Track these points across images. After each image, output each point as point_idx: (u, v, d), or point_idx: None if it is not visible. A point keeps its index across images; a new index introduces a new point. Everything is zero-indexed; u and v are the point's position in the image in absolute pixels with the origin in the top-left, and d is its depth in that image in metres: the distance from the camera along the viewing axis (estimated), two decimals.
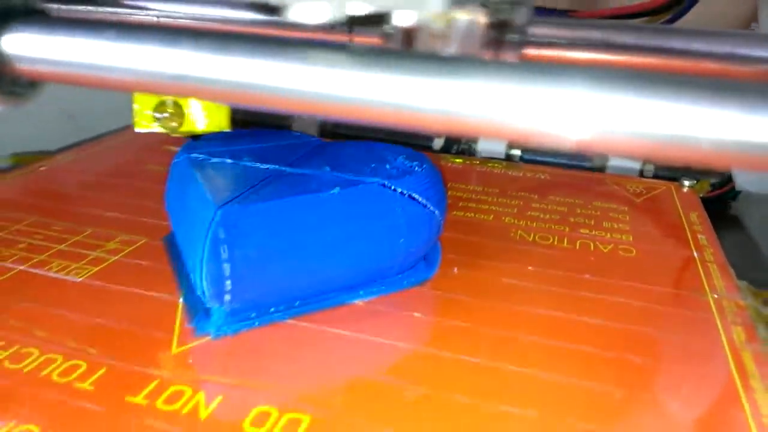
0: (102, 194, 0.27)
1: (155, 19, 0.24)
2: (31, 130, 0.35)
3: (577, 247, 0.25)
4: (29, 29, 0.13)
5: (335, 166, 0.21)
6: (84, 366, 0.16)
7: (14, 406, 0.15)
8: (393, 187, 0.20)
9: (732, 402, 0.16)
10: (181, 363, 0.17)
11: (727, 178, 0.35)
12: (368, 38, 0.23)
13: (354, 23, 0.23)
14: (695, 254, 0.24)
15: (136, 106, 0.21)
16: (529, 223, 0.27)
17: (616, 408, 0.16)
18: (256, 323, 0.18)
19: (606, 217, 0.27)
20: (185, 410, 0.15)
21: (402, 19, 0.12)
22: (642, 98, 0.10)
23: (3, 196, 0.27)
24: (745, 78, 0.20)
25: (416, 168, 0.21)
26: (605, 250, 0.24)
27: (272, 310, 0.19)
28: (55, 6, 0.23)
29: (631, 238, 0.25)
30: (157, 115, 0.21)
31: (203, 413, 0.15)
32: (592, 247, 0.24)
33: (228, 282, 0.17)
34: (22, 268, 0.21)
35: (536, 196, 0.29)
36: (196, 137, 0.23)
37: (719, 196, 0.35)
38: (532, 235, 0.25)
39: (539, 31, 0.21)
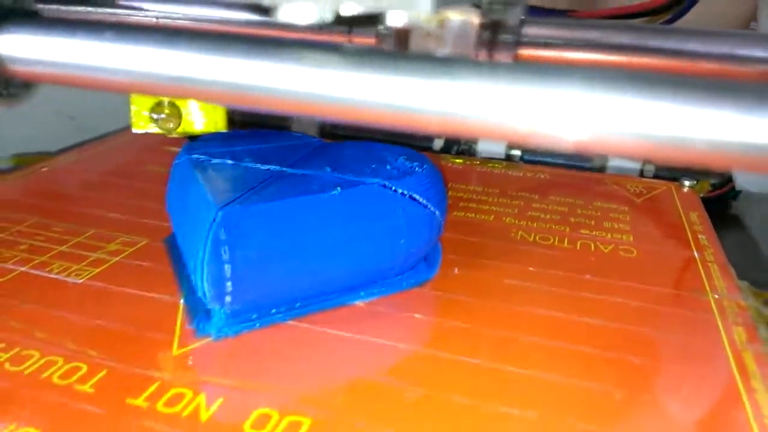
0: (103, 195, 0.27)
1: (150, 20, 0.24)
2: (31, 131, 0.35)
3: (578, 247, 0.25)
4: (22, 30, 0.13)
5: (336, 166, 0.21)
6: (85, 368, 0.16)
7: (15, 409, 0.15)
8: (394, 188, 0.20)
9: (733, 403, 0.16)
10: (181, 365, 0.17)
11: (727, 178, 0.35)
12: (366, 39, 0.23)
13: (350, 24, 0.23)
14: (696, 254, 0.24)
15: (133, 108, 0.21)
16: (529, 223, 0.27)
17: (617, 409, 0.16)
18: (257, 324, 0.18)
19: (606, 217, 0.27)
20: (186, 412, 0.15)
21: (395, 19, 0.12)
22: (639, 99, 0.10)
23: (4, 197, 0.27)
24: (743, 78, 0.20)
25: (417, 169, 0.21)
26: (606, 251, 0.24)
27: (273, 311, 0.19)
28: (49, 7, 0.23)
29: (631, 239, 0.25)
30: (154, 116, 0.21)
31: (204, 415, 0.15)
32: (592, 248, 0.24)
33: (229, 283, 0.17)
34: (23, 269, 0.21)
35: (537, 197, 0.29)
36: (193, 138, 0.23)
37: (720, 196, 0.35)
38: (532, 236, 0.25)
39: (534, 31, 0.20)
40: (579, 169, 0.39)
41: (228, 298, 0.17)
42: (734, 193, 0.35)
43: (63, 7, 0.23)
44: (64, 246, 0.23)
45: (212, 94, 0.12)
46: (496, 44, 0.18)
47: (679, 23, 0.35)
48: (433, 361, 0.17)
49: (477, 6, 0.15)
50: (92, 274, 0.21)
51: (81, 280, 0.21)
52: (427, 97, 0.11)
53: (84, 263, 0.22)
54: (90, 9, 0.24)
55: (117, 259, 0.22)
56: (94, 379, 0.16)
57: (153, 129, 0.21)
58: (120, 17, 0.24)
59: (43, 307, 0.19)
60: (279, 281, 0.18)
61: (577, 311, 0.20)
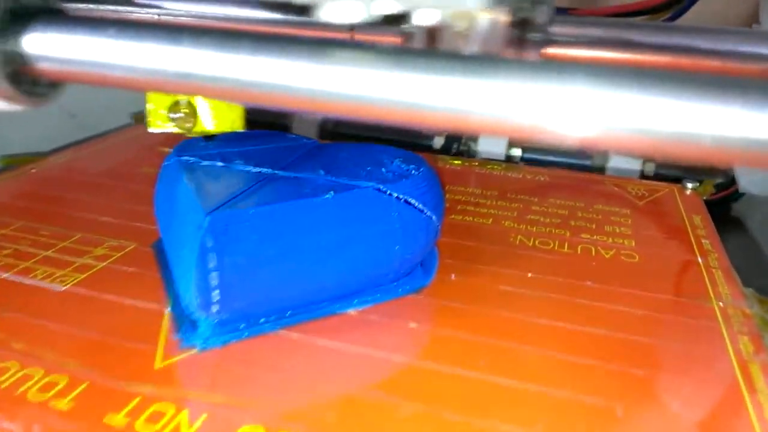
0: (93, 197, 0.27)
1: (177, 18, 0.23)
2: (31, 129, 0.34)
3: (579, 252, 0.24)
4: (49, 29, 0.13)
5: (330, 169, 0.20)
6: (64, 381, 0.16)
7: None
8: (388, 192, 0.19)
9: (740, 417, 0.16)
10: (165, 378, 0.16)
11: (730, 180, 0.35)
12: (369, 35, 0.22)
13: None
14: (699, 259, 0.24)
15: (150, 106, 0.20)
16: (528, 227, 0.26)
17: (619, 424, 0.15)
18: (246, 334, 0.18)
19: (608, 220, 0.27)
20: (167, 430, 0.14)
21: (425, 18, 0.12)
22: (645, 95, 0.10)
23: None
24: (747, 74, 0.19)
25: (413, 171, 0.20)
26: (607, 256, 0.24)
27: (262, 320, 0.18)
28: (72, 6, 0.23)
29: (633, 243, 0.25)
30: (172, 115, 0.20)
31: None
32: (593, 253, 0.24)
33: (216, 292, 0.17)
34: (5, 276, 0.20)
35: (536, 199, 0.29)
36: (208, 137, 0.22)
37: (722, 198, 0.34)
38: (532, 240, 0.25)
39: (562, 29, 0.20)
40: (579, 168, 0.39)
41: (215, 308, 0.17)
42: (737, 196, 0.35)
43: (85, 6, 0.23)
44: (50, 251, 0.22)
45: (244, 94, 0.12)
46: (524, 42, 0.18)
47: (680, 22, 0.35)
48: (427, 373, 0.17)
49: (506, 4, 0.14)
50: (77, 280, 0.20)
51: (65, 287, 0.20)
52: (436, 94, 0.11)
53: (69, 269, 0.21)
54: (113, 7, 0.23)
55: (103, 264, 0.21)
56: (74, 393, 0.15)
57: (170, 128, 0.21)
58: (147, 15, 0.23)
59: (24, 316, 0.18)
60: (269, 289, 0.18)
61: (577, 320, 0.19)
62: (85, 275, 0.21)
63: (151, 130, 0.20)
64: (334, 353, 0.17)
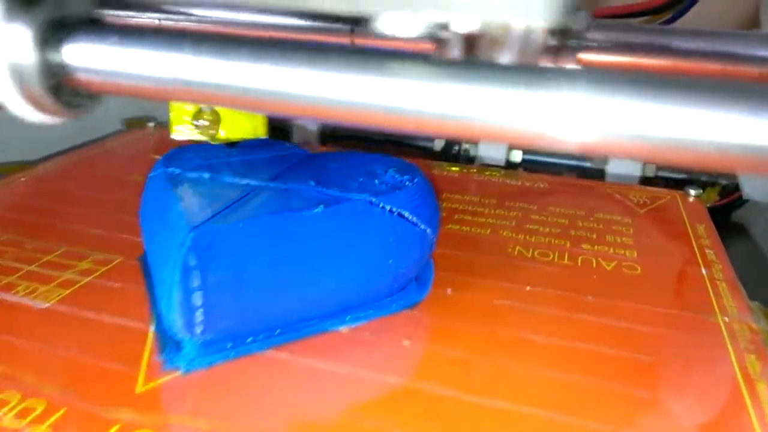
0: (81, 208, 0.26)
1: (212, 26, 0.23)
2: (19, 137, 0.33)
3: (579, 264, 0.23)
4: (91, 39, 0.13)
5: (320, 180, 0.19)
6: (41, 407, 0.15)
7: None
8: (381, 205, 0.18)
9: None
10: (146, 403, 0.15)
11: (734, 187, 0.34)
12: (368, 39, 0.22)
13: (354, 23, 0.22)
14: (703, 271, 0.23)
15: (172, 114, 0.20)
16: (527, 237, 0.25)
17: None
18: (232, 355, 0.17)
19: (609, 230, 0.26)
20: None
21: (464, 26, 0.12)
22: (646, 101, 0.10)
23: None
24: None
25: (407, 183, 0.19)
26: (608, 268, 0.23)
27: (250, 339, 0.17)
28: (110, 12, 0.22)
29: (635, 254, 0.24)
30: (195, 122, 0.20)
31: None
32: (594, 264, 0.23)
33: (199, 312, 0.16)
34: None
35: (535, 207, 0.28)
36: (231, 144, 0.22)
37: (726, 205, 0.34)
38: (530, 251, 0.24)
39: (598, 35, 0.20)
40: (579, 169, 0.38)
41: (199, 328, 0.16)
42: (741, 202, 0.34)
43: (121, 13, 0.23)
44: (34, 265, 0.21)
45: (295, 107, 0.12)
46: (561, 50, 0.17)
47: (678, 23, 0.34)
48: (421, 396, 0.16)
49: None
50: (60, 296, 0.20)
51: (47, 304, 0.19)
52: (436, 101, 0.11)
53: (53, 284, 0.20)
54: (150, 15, 0.23)
55: (88, 279, 0.21)
56: (51, 420, 0.15)
57: (194, 135, 0.20)
58: (188, 24, 0.23)
59: (2, 336, 0.18)
60: (256, 307, 0.17)
61: (577, 337, 0.19)
62: (68, 291, 0.20)
63: (174, 137, 0.20)
64: (324, 374, 0.17)
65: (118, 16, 0.22)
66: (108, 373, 0.16)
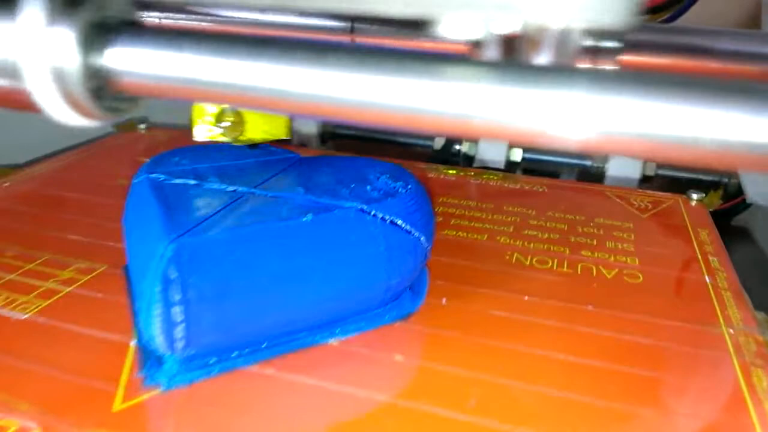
0: (66, 213, 0.25)
1: (247, 26, 0.22)
2: (6, 139, 0.33)
3: (579, 271, 0.22)
4: (134, 42, 0.12)
5: (310, 187, 0.19)
6: (13, 428, 0.14)
7: None
8: (373, 212, 0.18)
9: None
10: (124, 422, 0.15)
11: (736, 190, 0.33)
12: (369, 38, 0.21)
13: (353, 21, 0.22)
14: (707, 279, 0.22)
15: (194, 115, 0.20)
16: (526, 243, 0.24)
17: None
18: (216, 370, 0.16)
19: (609, 236, 0.25)
20: None
21: (502, 27, 0.11)
22: (647, 100, 0.10)
23: None
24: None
25: (400, 189, 0.19)
26: (609, 276, 0.22)
27: (235, 354, 0.17)
28: (149, 14, 0.22)
29: (636, 262, 0.23)
30: (218, 123, 0.20)
31: None
32: (594, 272, 0.22)
33: (180, 327, 0.15)
34: None
35: (534, 212, 0.27)
36: (253, 145, 0.21)
37: (729, 209, 0.33)
38: (529, 258, 0.23)
39: (637, 36, 0.19)
40: (579, 168, 0.38)
41: (180, 344, 0.15)
42: (744, 206, 0.33)
43: (157, 14, 0.22)
44: (14, 273, 0.21)
45: (345, 111, 0.12)
46: (599, 50, 0.17)
47: (678, 23, 0.34)
48: (412, 415, 0.15)
49: None
50: (39, 308, 0.19)
51: (25, 316, 0.18)
52: (432, 98, 0.11)
53: (33, 294, 0.20)
54: (192, 16, 0.22)
55: (69, 289, 0.20)
56: None
57: (217, 137, 0.20)
58: (222, 27, 0.23)
59: None
60: (241, 321, 0.16)
61: (576, 351, 0.18)
62: (48, 302, 0.19)
63: (197, 138, 0.20)
64: (312, 391, 0.16)
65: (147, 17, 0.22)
66: (85, 390, 0.16)
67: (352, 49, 0.12)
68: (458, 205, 0.28)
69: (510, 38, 0.12)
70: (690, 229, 0.26)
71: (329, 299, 0.17)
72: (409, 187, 0.19)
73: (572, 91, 0.10)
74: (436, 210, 0.27)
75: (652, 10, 0.34)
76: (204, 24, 0.23)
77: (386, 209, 0.18)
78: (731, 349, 0.18)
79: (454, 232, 0.25)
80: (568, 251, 0.24)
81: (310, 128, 0.42)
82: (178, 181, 0.19)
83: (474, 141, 0.39)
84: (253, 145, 0.21)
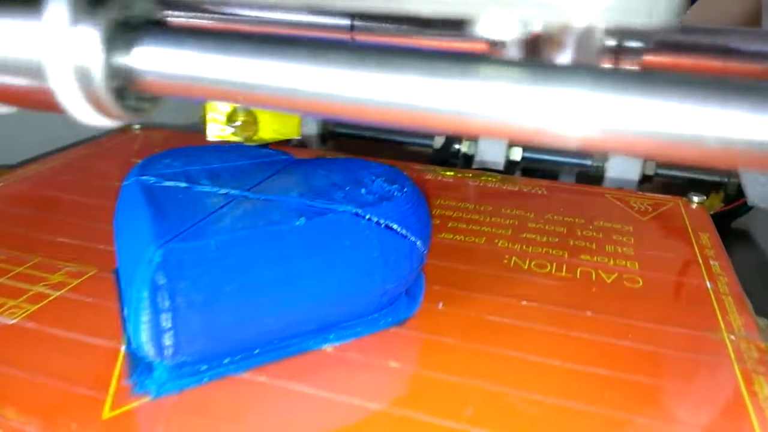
0: (59, 215, 0.25)
1: (275, 27, 0.22)
2: (9, 135, 0.32)
3: (578, 276, 0.22)
4: (157, 42, 0.12)
5: (304, 190, 0.18)
6: None
7: None
8: (368, 216, 0.17)
9: None
10: (113, 430, 0.14)
11: (736, 193, 0.33)
12: (368, 36, 0.21)
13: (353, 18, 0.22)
14: (708, 284, 0.22)
15: (208, 115, 0.19)
16: (524, 247, 0.24)
17: None
18: (206, 378, 0.16)
19: (609, 239, 0.25)
20: None
21: (539, 25, 0.11)
22: (648, 98, 0.10)
23: None
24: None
25: (395, 192, 0.18)
26: (608, 281, 0.22)
27: (226, 360, 0.16)
28: (172, 13, 0.22)
29: (636, 266, 0.23)
30: (231, 123, 0.19)
31: None
32: (593, 277, 0.22)
33: (169, 335, 0.15)
34: None
35: (533, 215, 0.27)
36: (263, 146, 0.21)
37: (730, 211, 0.33)
38: (527, 262, 0.23)
39: (661, 36, 0.19)
40: (579, 167, 0.37)
41: (168, 351, 0.15)
42: (745, 209, 0.33)
43: (182, 13, 0.22)
44: (4, 277, 0.20)
45: (372, 112, 0.11)
46: (621, 50, 0.17)
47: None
48: (407, 425, 0.15)
49: None
50: (28, 312, 0.18)
51: (14, 320, 0.18)
52: (439, 96, 0.11)
53: (21, 299, 0.19)
54: (216, 16, 0.22)
55: (59, 293, 0.20)
56: None
57: (229, 136, 0.20)
58: (247, 26, 0.23)
59: None
60: (232, 327, 0.16)
61: (574, 357, 0.17)
62: (37, 306, 0.19)
63: (210, 138, 0.19)
64: (305, 400, 0.16)
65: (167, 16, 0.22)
66: (74, 398, 0.15)
67: (384, 50, 0.11)
68: (456, 208, 0.27)
69: (533, 38, 0.12)
70: (691, 232, 0.26)
71: (323, 305, 0.17)
72: (405, 190, 0.19)
73: (574, 89, 0.10)
74: (433, 212, 0.26)
75: None
76: (212, 22, 0.23)
77: (381, 213, 0.17)
78: (732, 356, 0.18)
79: (451, 236, 0.25)
80: (567, 255, 0.24)
81: (310, 128, 0.42)
82: (168, 183, 0.18)
83: (474, 140, 0.39)
84: (265, 145, 0.21)
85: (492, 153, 0.38)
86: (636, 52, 0.17)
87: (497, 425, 0.15)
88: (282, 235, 0.16)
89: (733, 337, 0.19)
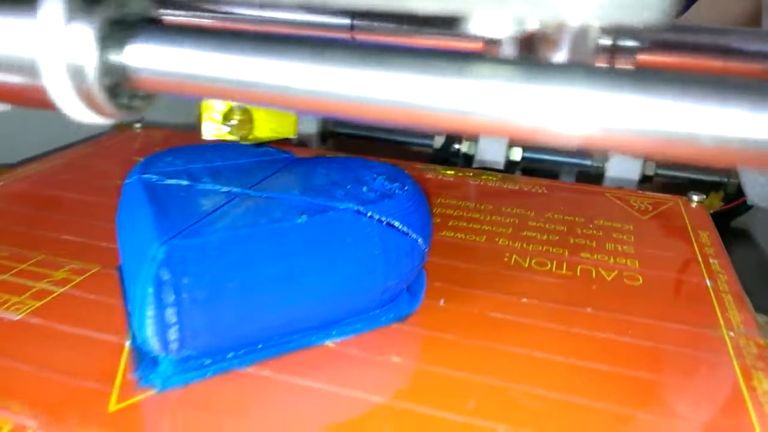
0: (60, 214, 0.25)
1: (272, 26, 0.22)
2: (11, 134, 0.32)
3: (578, 273, 0.22)
4: (151, 40, 0.12)
5: (305, 188, 0.18)
6: (7, 427, 0.14)
7: None
8: (369, 214, 0.17)
9: None
10: (119, 423, 0.14)
11: (736, 192, 0.33)
12: (368, 34, 0.21)
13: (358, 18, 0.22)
14: (708, 282, 0.22)
15: (205, 114, 0.19)
16: (524, 245, 0.24)
17: None
18: (211, 372, 0.16)
19: (609, 237, 0.25)
20: None
21: (533, 24, 0.11)
22: (646, 96, 0.10)
23: None
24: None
25: (397, 190, 0.19)
26: (608, 278, 0.22)
27: (230, 355, 0.16)
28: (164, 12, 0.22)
29: (636, 264, 0.23)
30: (227, 122, 0.19)
31: None
32: (594, 274, 0.22)
33: (174, 329, 0.15)
34: None
35: (533, 214, 0.27)
36: (260, 144, 0.21)
37: (729, 211, 0.33)
38: (527, 260, 0.23)
39: (655, 35, 0.19)
40: (579, 167, 0.37)
41: (173, 345, 0.15)
42: (745, 209, 0.33)
43: (175, 12, 0.22)
44: (7, 274, 0.20)
45: (362, 109, 0.12)
46: (616, 49, 0.17)
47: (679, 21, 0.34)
48: (409, 418, 0.15)
49: None
50: (32, 308, 0.19)
51: (18, 316, 0.18)
52: (440, 95, 0.11)
53: (26, 295, 0.19)
54: (216, 15, 0.22)
55: (63, 290, 0.20)
56: None
57: (225, 135, 0.20)
58: (242, 25, 0.23)
59: None
60: (236, 323, 0.16)
61: (575, 353, 0.18)
62: (41, 302, 0.19)
63: (205, 137, 0.20)
64: (308, 394, 0.16)
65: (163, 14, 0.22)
66: (80, 391, 0.15)
67: (379, 48, 0.12)
68: (456, 206, 0.28)
69: (527, 36, 0.12)
70: (690, 230, 0.26)
71: (325, 301, 0.17)
72: (406, 188, 0.19)
73: (572, 87, 0.10)
74: (434, 211, 0.26)
75: None
76: (213, 21, 0.23)
77: (383, 211, 0.18)
78: (731, 352, 0.18)
79: (452, 234, 0.25)
80: (567, 253, 0.24)
81: (310, 127, 0.42)
82: (170, 181, 0.19)
83: (474, 140, 0.39)
84: (261, 144, 0.21)
85: (492, 153, 0.38)
86: (631, 51, 0.18)
87: (499, 418, 0.15)
88: (284, 232, 0.16)
89: (732, 333, 0.19)
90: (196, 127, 0.23)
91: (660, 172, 0.36)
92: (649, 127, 0.10)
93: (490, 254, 0.23)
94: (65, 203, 0.26)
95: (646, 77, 0.10)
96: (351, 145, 0.43)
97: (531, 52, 0.13)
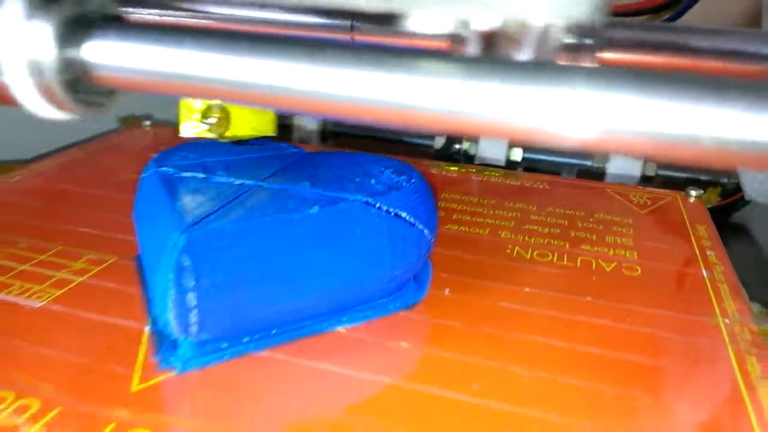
0: (75, 207, 0.26)
1: (232, 23, 0.23)
2: (13, 135, 0.33)
3: (578, 264, 0.23)
4: (109, 37, 0.13)
5: (316, 181, 0.19)
6: (36, 406, 0.15)
7: None
8: (378, 205, 0.18)
9: None
10: (142, 402, 0.15)
11: (734, 187, 0.34)
12: (368, 36, 0.22)
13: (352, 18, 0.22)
14: (704, 273, 0.23)
15: (182, 111, 0.20)
16: (527, 238, 0.25)
17: None
18: (228, 355, 0.17)
19: (609, 231, 0.26)
20: None
21: (483, 23, 0.12)
22: (645, 97, 0.10)
23: None
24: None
25: (404, 183, 0.19)
26: (608, 269, 0.23)
27: (246, 339, 0.17)
28: (128, 9, 0.22)
29: (635, 255, 0.24)
30: (206, 120, 0.20)
31: None
32: (594, 266, 0.23)
33: (194, 313, 0.16)
34: None
35: (535, 208, 0.28)
36: (241, 142, 0.22)
37: (727, 206, 0.34)
38: (529, 252, 0.24)
39: (617, 34, 0.19)
40: (580, 168, 0.38)
41: (194, 328, 0.16)
42: (742, 204, 0.34)
43: (141, 10, 0.23)
44: (27, 264, 0.21)
45: (317, 105, 0.12)
46: (579, 47, 0.17)
47: (678, 23, 0.34)
48: (418, 397, 0.16)
49: None
50: (53, 296, 0.19)
51: (40, 304, 0.19)
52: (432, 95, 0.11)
53: (46, 284, 0.20)
54: (170, 12, 0.23)
55: (82, 279, 0.20)
56: (46, 418, 0.15)
57: (203, 133, 0.20)
58: (211, 22, 0.23)
59: None
60: (252, 308, 0.17)
61: (576, 339, 0.18)
62: (62, 291, 0.20)
63: (183, 135, 0.20)
64: (321, 375, 0.17)
65: (127, 12, 0.22)
66: (103, 373, 0.16)
67: (355, 48, 0.12)
68: (460, 201, 0.28)
69: (490, 35, 0.13)
70: (688, 224, 0.27)
71: (335, 288, 0.18)
72: (413, 181, 0.19)
73: (571, 88, 0.10)
74: (438, 205, 0.27)
75: (654, 10, 0.35)
76: (189, 21, 0.23)
77: (390, 202, 0.18)
78: (726, 338, 0.19)
79: (456, 227, 0.26)
80: (568, 245, 0.24)
81: (310, 126, 0.43)
82: (186, 174, 0.19)
83: (474, 140, 0.39)
84: (238, 142, 0.22)
85: (493, 153, 0.39)
86: (590, 49, 0.18)
87: (503, 398, 0.16)
88: (296, 222, 0.17)
89: (727, 320, 0.20)
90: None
91: (661, 173, 0.37)
92: (648, 128, 0.10)
93: (494, 246, 0.24)
94: (78, 197, 0.27)
95: (644, 78, 0.10)
96: (352, 144, 0.44)
97: (493, 50, 0.13)
